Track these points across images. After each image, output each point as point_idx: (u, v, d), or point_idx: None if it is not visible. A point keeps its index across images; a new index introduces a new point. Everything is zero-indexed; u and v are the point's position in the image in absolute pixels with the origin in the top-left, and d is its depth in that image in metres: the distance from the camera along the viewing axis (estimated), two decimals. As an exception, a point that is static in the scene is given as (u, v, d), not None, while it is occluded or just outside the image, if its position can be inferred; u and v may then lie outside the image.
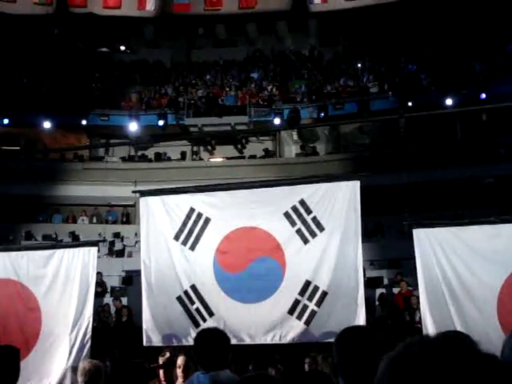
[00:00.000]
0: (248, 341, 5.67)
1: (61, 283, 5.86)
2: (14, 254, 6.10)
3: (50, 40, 24.38)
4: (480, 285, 4.98)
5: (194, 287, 5.87)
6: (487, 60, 21.55)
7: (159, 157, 23.95)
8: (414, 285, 7.14)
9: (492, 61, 21.45)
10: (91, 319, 5.89)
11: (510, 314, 4.77)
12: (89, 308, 5.86)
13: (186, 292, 5.88)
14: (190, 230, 5.93)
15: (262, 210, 5.79)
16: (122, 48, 27.23)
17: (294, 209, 5.70)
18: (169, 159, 23.85)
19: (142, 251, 6.11)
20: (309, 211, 5.66)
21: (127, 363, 8.29)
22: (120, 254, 18.96)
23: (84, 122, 23.04)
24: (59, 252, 5.99)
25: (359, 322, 5.34)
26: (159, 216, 6.04)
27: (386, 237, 18.35)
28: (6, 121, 21.97)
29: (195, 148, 24.60)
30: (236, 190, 6.04)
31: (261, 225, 5.76)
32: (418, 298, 5.61)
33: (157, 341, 5.87)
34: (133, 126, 22.28)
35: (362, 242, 5.57)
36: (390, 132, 21.84)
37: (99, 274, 14.93)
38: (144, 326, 5.93)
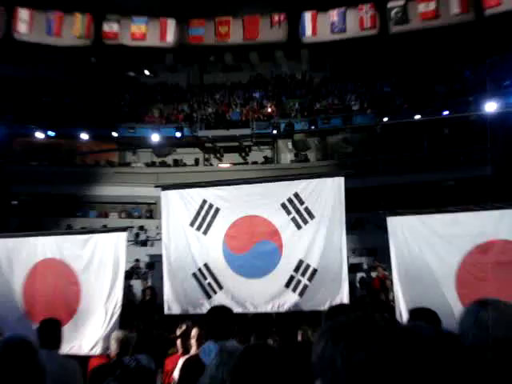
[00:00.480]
0: (252, 309, 5.67)
1: (96, 262, 5.85)
2: (60, 237, 6.17)
3: (88, 67, 24.55)
4: (441, 263, 4.99)
5: (206, 265, 5.87)
6: (448, 84, 21.66)
7: (177, 163, 24.03)
8: (389, 270, 7.14)
9: (452, 85, 21.56)
10: (121, 294, 5.80)
11: (466, 286, 4.81)
12: (119, 284, 5.77)
13: (199, 269, 5.88)
14: (203, 218, 5.93)
15: (263, 201, 5.78)
16: (147, 72, 27.34)
17: (290, 200, 5.70)
18: (185, 165, 23.90)
19: (164, 236, 6.10)
20: (302, 202, 5.66)
21: (150, 334, 8.28)
22: (144, 243, 19.02)
23: (115, 134, 23.15)
24: (95, 236, 6.01)
25: (343, 294, 5.34)
26: (177, 206, 6.04)
27: (366, 230, 18.37)
28: (51, 133, 22.14)
29: (207, 155, 24.66)
30: (242, 185, 6.05)
31: (262, 214, 5.75)
32: (391, 280, 5.60)
33: (175, 309, 5.86)
34: (155, 137, 22.37)
35: (346, 233, 5.51)
36: (368, 143, 21.96)
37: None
38: (165, 298, 5.92)
